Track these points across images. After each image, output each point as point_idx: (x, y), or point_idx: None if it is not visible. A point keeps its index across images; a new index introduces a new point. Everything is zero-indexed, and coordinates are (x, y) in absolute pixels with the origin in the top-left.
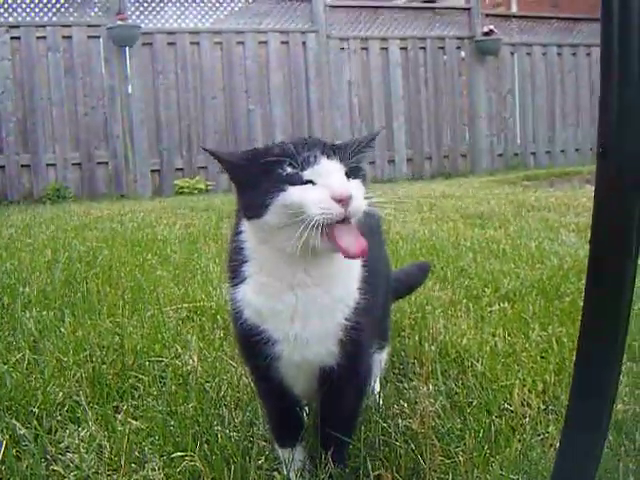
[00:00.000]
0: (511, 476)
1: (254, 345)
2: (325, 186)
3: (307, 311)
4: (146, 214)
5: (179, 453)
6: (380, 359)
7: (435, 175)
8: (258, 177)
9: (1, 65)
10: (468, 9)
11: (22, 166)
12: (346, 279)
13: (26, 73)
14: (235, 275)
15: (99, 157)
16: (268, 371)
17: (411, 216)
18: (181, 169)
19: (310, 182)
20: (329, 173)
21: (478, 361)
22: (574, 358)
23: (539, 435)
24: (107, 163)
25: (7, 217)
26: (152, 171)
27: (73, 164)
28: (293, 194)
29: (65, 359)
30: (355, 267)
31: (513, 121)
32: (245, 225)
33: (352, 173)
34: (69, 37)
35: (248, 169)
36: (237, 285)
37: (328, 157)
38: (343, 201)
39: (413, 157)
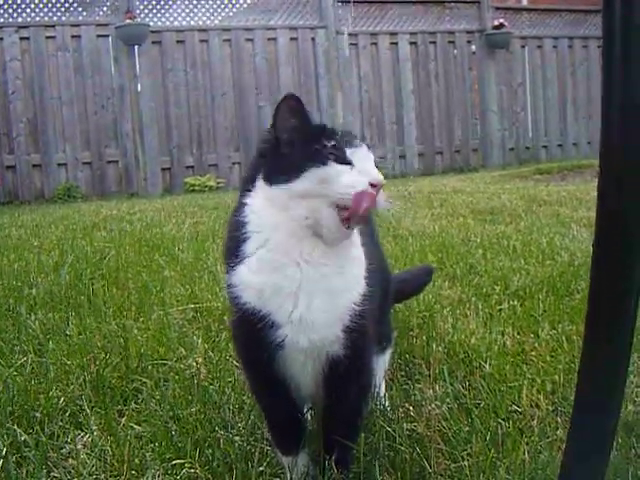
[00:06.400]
0: None
1: (254, 334)
2: (362, 170)
3: (312, 289)
4: (155, 213)
5: (180, 460)
6: (383, 360)
7: (446, 170)
8: (300, 143)
9: (11, 65)
10: (478, 2)
11: (33, 166)
12: (353, 264)
13: (36, 73)
14: (233, 256)
15: (109, 156)
16: (269, 366)
17: (421, 212)
18: (191, 167)
19: (349, 163)
20: (367, 159)
21: (486, 361)
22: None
23: (548, 438)
24: (117, 162)
25: (17, 217)
26: (162, 169)
27: (83, 163)
28: (334, 169)
29: (69, 362)
30: (361, 255)
31: (524, 115)
32: (258, 194)
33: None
34: (78, 36)
35: (295, 134)
36: (235, 267)
37: (368, 147)
38: (377, 187)
39: (424, 152)
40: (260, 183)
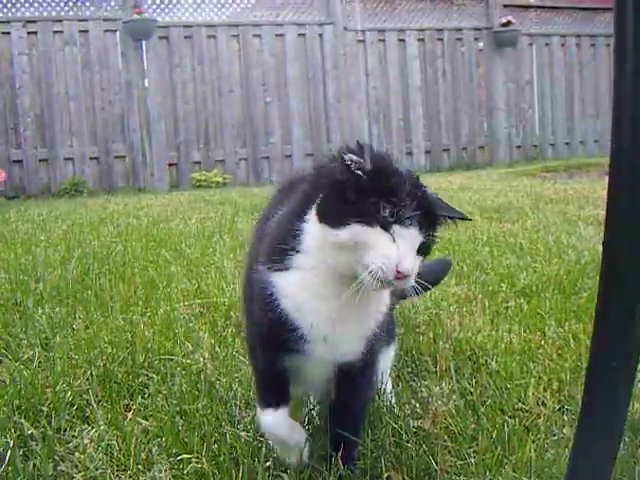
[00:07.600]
0: (524, 478)
1: (281, 336)
2: (399, 250)
3: (347, 317)
4: (162, 208)
5: (186, 455)
6: (388, 357)
7: (453, 167)
8: (359, 193)
9: (18, 60)
10: (486, 0)
11: (40, 160)
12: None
13: (43, 68)
14: (279, 260)
15: (116, 151)
16: (283, 359)
17: None
18: (198, 162)
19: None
20: (410, 242)
21: (493, 359)
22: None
23: (554, 436)
24: (124, 157)
25: (24, 212)
26: (169, 165)
27: (91, 158)
28: (372, 237)
29: (76, 356)
30: None
31: (532, 112)
32: (312, 223)
33: (423, 250)
34: (85, 31)
35: (366, 185)
36: (279, 271)
37: (420, 228)
38: (400, 275)
39: (431, 149)
40: (312, 215)
